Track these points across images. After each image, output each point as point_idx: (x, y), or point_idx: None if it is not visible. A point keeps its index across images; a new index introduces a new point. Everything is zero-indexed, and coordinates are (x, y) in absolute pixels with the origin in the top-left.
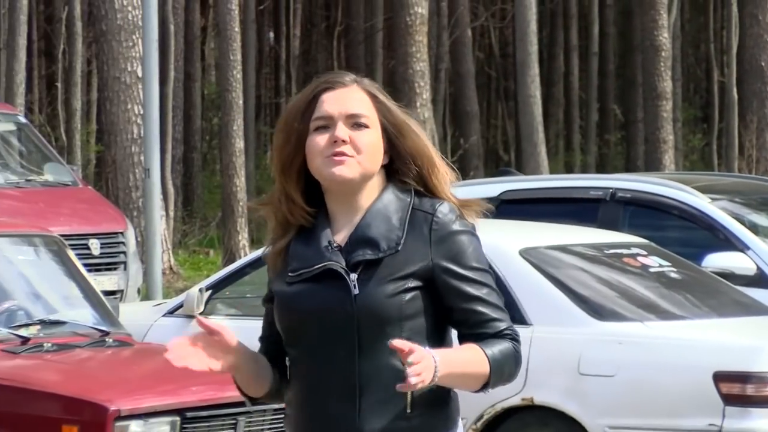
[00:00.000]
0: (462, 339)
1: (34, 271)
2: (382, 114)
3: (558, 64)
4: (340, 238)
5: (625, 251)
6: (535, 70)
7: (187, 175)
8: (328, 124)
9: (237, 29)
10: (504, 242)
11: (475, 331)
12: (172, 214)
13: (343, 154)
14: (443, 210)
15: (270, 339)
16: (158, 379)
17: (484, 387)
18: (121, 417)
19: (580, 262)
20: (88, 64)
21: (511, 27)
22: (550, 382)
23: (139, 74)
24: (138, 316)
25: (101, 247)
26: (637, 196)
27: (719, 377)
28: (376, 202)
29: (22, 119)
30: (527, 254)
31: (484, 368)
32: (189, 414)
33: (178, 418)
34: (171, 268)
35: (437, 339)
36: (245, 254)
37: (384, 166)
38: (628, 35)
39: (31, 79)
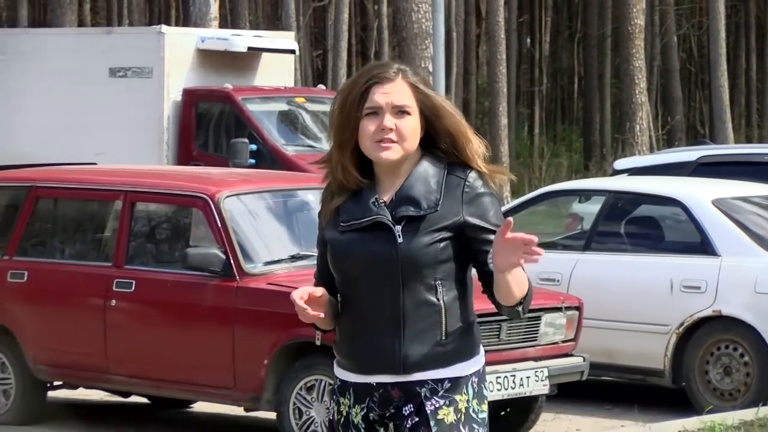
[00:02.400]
0: (483, 275)
1: None
2: (421, 101)
3: (741, 62)
4: (386, 197)
5: None
6: (723, 66)
7: None
8: (376, 111)
9: (503, 36)
10: (700, 194)
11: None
12: None
13: (389, 140)
14: (473, 176)
15: (325, 277)
16: None
17: (520, 304)
18: None
19: (757, 209)
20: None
21: (706, 34)
22: (734, 298)
23: (430, 69)
24: None
25: None
26: None
27: None
28: (417, 167)
29: None
30: (718, 203)
31: (525, 284)
32: None
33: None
34: None
35: (461, 278)
36: (507, 203)
37: (421, 140)
38: None
39: (351, 73)
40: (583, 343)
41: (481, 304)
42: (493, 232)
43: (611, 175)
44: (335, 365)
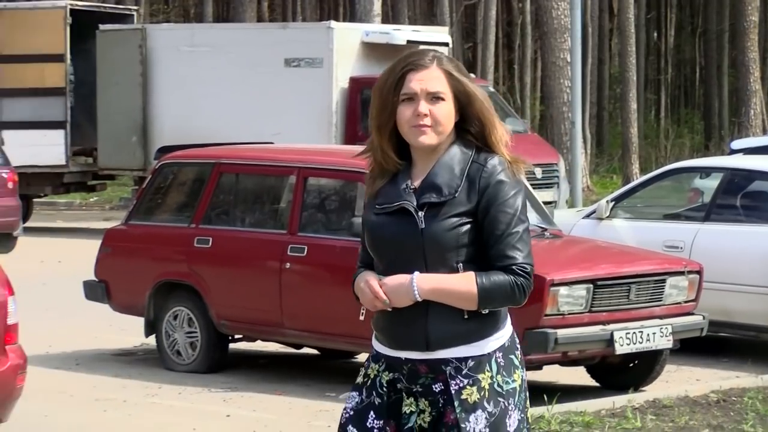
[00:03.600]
0: (487, 268)
1: None
2: (455, 87)
3: None
4: (417, 182)
5: None
6: None
7: (599, 126)
8: (412, 97)
9: (632, 30)
10: None
11: (491, 262)
12: (588, 151)
13: (424, 125)
14: (493, 162)
15: (369, 257)
16: (578, 260)
17: (480, 307)
18: (554, 284)
19: None
20: (534, 53)
21: None
22: None
23: (568, 60)
24: (566, 219)
25: (542, 173)
26: None
27: None
28: (444, 154)
29: (491, 89)
30: None
31: (472, 290)
32: (599, 283)
33: (591, 286)
34: (588, 187)
35: (485, 260)
36: (636, 178)
37: (456, 123)
38: None
39: (498, 63)
40: (702, 303)
41: (612, 267)
42: (501, 221)
43: (728, 154)
44: (373, 338)
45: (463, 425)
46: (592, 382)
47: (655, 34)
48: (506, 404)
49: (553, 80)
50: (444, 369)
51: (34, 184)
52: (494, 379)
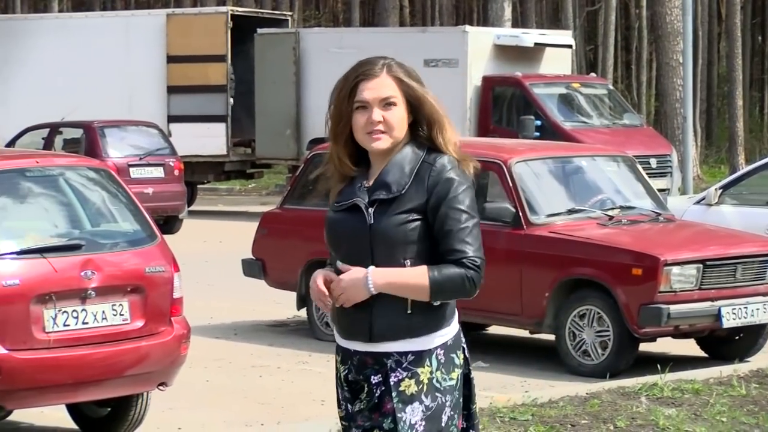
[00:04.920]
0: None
1: (616, 175)
2: (405, 92)
3: None
4: (371, 181)
5: None
6: None
7: (708, 121)
8: (366, 105)
9: (739, 34)
10: None
11: (443, 256)
12: (698, 144)
13: (378, 131)
14: (442, 161)
15: None
16: (689, 242)
17: (432, 299)
18: (667, 264)
19: None
20: (650, 55)
21: None
22: None
23: (680, 61)
24: (678, 205)
25: (657, 163)
26: None
27: None
28: (397, 154)
29: (611, 87)
30: None
31: (423, 283)
32: (708, 263)
33: (701, 266)
34: (698, 176)
35: (432, 258)
36: (742, 168)
37: (410, 125)
38: None
39: (616, 64)
40: None
41: (720, 249)
42: (450, 217)
43: None
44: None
45: (399, 415)
46: (701, 353)
47: (760, 38)
48: (443, 400)
49: (667, 79)
50: (386, 362)
51: (198, 172)
52: (434, 375)
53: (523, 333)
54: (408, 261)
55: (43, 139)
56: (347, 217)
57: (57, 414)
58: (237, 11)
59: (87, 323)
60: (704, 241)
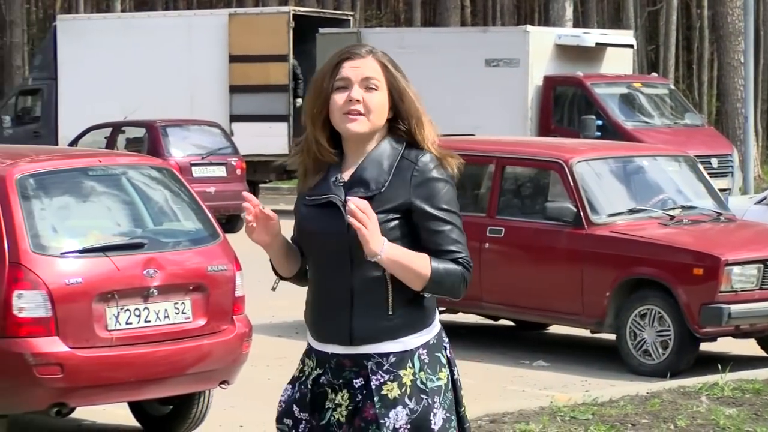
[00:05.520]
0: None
1: (677, 175)
2: (389, 81)
3: None
4: (347, 176)
5: None
6: None
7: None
8: (346, 85)
9: None
10: None
11: (435, 256)
12: (759, 143)
13: (356, 112)
14: (424, 160)
15: (298, 245)
16: (750, 242)
17: (425, 289)
18: (728, 264)
19: None
20: (711, 55)
21: None
22: None
23: (742, 61)
24: (739, 205)
25: (718, 163)
26: None
27: None
28: (375, 149)
29: (672, 87)
30: None
31: (426, 271)
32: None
33: (761, 265)
34: (759, 176)
35: None
36: None
37: (388, 120)
38: None
39: (678, 63)
40: None
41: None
42: (438, 218)
43: None
44: (308, 332)
45: (381, 420)
46: (762, 353)
47: None
48: (430, 402)
49: (728, 79)
50: (366, 364)
51: (260, 171)
52: (417, 376)
53: (584, 332)
54: None
55: (105, 138)
56: (322, 214)
57: (120, 411)
58: (299, 11)
59: (149, 321)
60: (765, 241)
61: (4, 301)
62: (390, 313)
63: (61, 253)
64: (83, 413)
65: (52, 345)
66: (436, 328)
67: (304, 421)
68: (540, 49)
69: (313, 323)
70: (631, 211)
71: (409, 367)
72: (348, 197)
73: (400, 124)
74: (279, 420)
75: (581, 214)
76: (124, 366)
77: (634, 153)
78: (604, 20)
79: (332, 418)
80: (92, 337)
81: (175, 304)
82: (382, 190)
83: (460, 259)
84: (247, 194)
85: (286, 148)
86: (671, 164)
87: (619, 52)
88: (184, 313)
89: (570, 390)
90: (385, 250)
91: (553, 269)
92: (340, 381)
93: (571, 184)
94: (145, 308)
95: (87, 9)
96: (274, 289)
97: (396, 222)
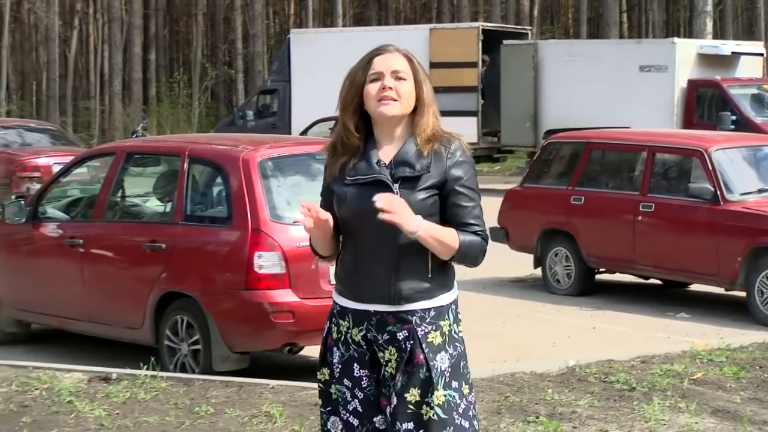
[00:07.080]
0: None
1: None
2: (414, 72)
3: None
4: (385, 159)
5: None
6: None
7: None
8: (378, 77)
9: None
10: None
11: (458, 228)
12: None
13: (389, 98)
14: (456, 145)
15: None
16: None
17: (452, 258)
18: None
19: None
20: None
21: None
22: None
23: None
24: None
25: None
26: None
27: None
28: (410, 138)
29: None
30: None
31: (455, 244)
32: None
33: None
34: None
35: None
36: None
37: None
38: None
39: None
40: None
41: None
42: (464, 195)
43: None
44: (335, 293)
45: (431, 363)
46: None
47: None
48: (462, 349)
49: None
50: (410, 318)
51: None
52: (451, 327)
53: (719, 290)
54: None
55: (329, 129)
56: (367, 192)
57: None
58: (486, 26)
59: None
60: None
61: (247, 260)
62: (429, 275)
63: (293, 222)
64: (311, 351)
65: (286, 296)
66: (457, 289)
67: (365, 378)
68: (685, 57)
69: (353, 285)
70: (760, 191)
71: (446, 319)
72: (376, 195)
73: (422, 110)
74: (338, 381)
75: (718, 192)
76: None
77: (763, 143)
78: (738, 33)
79: (386, 372)
80: (318, 290)
81: None
82: (429, 170)
83: (479, 232)
84: (306, 201)
85: (476, 138)
86: None
87: (750, 60)
88: None
89: (707, 337)
90: (422, 227)
91: (694, 238)
92: (385, 335)
93: (710, 168)
94: None
95: (315, 24)
96: (315, 267)
97: (434, 199)
